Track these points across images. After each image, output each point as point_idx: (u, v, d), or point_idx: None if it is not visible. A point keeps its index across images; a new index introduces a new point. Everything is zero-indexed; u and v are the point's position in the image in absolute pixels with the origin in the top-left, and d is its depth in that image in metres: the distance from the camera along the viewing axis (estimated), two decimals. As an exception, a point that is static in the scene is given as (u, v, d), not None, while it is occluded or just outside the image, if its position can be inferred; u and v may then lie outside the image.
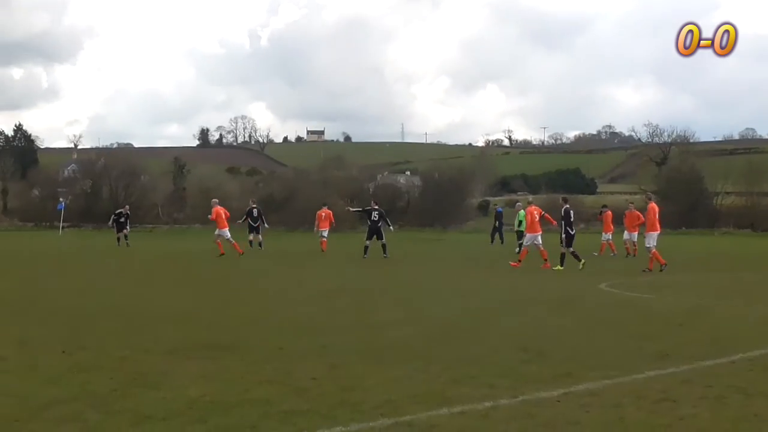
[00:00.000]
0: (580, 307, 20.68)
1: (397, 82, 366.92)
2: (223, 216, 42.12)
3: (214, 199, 44.64)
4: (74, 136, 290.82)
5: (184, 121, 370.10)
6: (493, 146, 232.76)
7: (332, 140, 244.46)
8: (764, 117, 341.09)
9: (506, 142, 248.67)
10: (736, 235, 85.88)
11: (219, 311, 19.15)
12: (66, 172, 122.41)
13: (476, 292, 24.78)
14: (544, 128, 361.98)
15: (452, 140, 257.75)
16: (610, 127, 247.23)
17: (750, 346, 14.15)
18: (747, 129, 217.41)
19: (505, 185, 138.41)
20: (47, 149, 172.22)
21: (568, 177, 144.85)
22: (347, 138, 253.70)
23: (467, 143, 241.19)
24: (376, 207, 41.63)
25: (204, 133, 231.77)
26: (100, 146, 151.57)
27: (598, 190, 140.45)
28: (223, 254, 40.48)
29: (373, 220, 40.76)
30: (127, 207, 57.64)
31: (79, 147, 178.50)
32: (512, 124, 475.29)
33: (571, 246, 34.15)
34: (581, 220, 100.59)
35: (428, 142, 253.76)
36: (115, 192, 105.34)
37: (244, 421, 8.79)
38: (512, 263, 34.35)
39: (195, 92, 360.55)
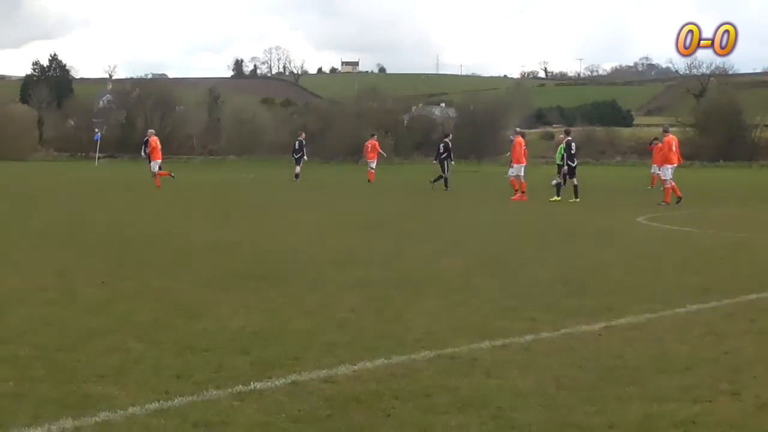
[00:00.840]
0: (620, 241, 20.60)
1: (432, 13, 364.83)
2: (158, 146, 41.17)
3: (150, 129, 43.74)
4: (109, 66, 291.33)
5: (219, 52, 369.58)
6: (529, 78, 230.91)
7: (366, 71, 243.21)
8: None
9: (542, 74, 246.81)
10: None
11: (259, 242, 19.19)
12: (101, 103, 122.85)
13: (515, 224, 24.75)
14: (580, 60, 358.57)
15: (487, 72, 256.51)
16: (647, 58, 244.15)
17: (793, 280, 14.06)
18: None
19: (540, 117, 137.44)
20: (82, 79, 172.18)
21: (604, 109, 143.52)
22: (382, 69, 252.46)
23: (502, 75, 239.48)
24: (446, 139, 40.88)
25: (238, 64, 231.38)
26: (135, 77, 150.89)
27: (634, 123, 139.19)
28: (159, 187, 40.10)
29: (439, 152, 40.14)
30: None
31: (113, 77, 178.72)
32: (549, 55, 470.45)
33: (573, 177, 34.25)
34: (618, 153, 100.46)
35: (463, 74, 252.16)
36: (150, 122, 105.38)
37: (286, 352, 8.77)
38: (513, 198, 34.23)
39: (230, 22, 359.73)
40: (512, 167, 35.83)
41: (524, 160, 35.71)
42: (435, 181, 40.76)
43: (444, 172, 40.71)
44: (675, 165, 33.43)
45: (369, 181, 46.71)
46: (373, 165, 49.09)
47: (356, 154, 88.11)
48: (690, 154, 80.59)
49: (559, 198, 33.24)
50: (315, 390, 7.51)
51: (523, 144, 36.14)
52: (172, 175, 41.54)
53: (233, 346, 9.06)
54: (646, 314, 11.02)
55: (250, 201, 34.32)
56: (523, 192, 34.63)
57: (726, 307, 11.62)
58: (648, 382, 7.88)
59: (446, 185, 39.84)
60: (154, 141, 41.41)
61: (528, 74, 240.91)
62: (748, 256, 17.81)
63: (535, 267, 15.68)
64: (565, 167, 34.03)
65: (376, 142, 50.44)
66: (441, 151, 41.46)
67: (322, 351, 8.89)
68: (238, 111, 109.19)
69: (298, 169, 48.30)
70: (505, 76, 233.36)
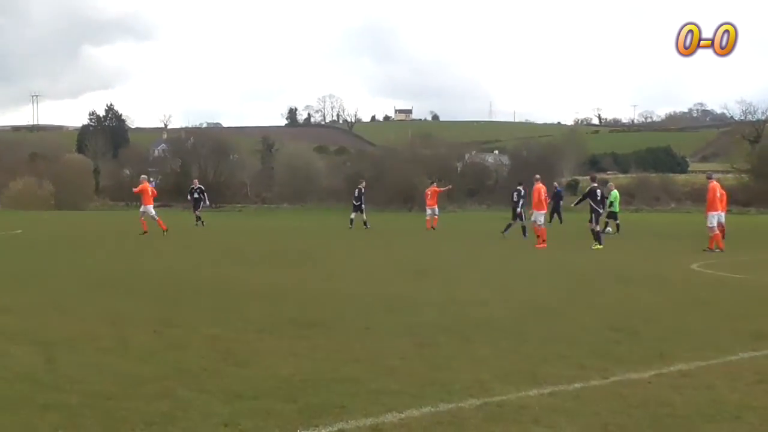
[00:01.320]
0: (671, 286, 20.46)
1: (485, 60, 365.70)
2: (150, 192, 41.21)
3: (142, 176, 43.99)
4: (164, 115, 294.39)
5: (273, 100, 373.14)
6: (582, 125, 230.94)
7: (420, 119, 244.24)
8: None
9: (595, 121, 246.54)
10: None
11: (308, 289, 19.22)
12: (156, 152, 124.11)
13: (564, 270, 24.64)
14: (635, 106, 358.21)
15: (541, 119, 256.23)
16: (701, 104, 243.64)
17: None
18: None
19: (594, 164, 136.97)
20: (138, 129, 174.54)
21: (658, 155, 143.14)
22: (435, 117, 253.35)
23: (556, 122, 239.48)
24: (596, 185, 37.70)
25: (292, 112, 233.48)
26: (190, 125, 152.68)
27: (689, 169, 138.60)
28: (146, 232, 39.91)
29: (598, 200, 36.08)
30: (196, 182, 56.81)
31: (168, 126, 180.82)
32: (602, 102, 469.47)
33: (597, 223, 34.29)
34: (673, 199, 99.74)
35: (516, 120, 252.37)
36: (204, 170, 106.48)
37: (334, 400, 8.79)
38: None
39: (283, 70, 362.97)
40: (532, 214, 35.85)
41: (545, 207, 35.72)
42: (505, 230, 40.59)
43: (515, 220, 40.51)
44: (719, 212, 33.07)
45: (427, 228, 47.02)
46: (433, 211, 49.48)
47: (409, 201, 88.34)
48: (745, 200, 79.94)
49: (601, 246, 33.07)
50: (361, 438, 7.53)
51: (543, 191, 36.13)
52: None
53: (281, 393, 9.09)
54: (697, 361, 10.93)
55: (302, 247, 34.40)
56: (543, 240, 34.45)
57: (779, 355, 11.50)
58: (697, 430, 7.84)
59: (524, 232, 39.58)
60: (145, 187, 41.38)
61: (582, 121, 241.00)
62: (804, 302, 17.61)
63: (586, 313, 15.59)
64: (592, 213, 34.01)
65: (437, 189, 50.71)
66: (515, 199, 41.38)
67: (370, 399, 8.90)
68: (292, 158, 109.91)
69: (353, 215, 48.86)
70: (559, 122, 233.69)
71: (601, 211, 34.44)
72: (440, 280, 21.74)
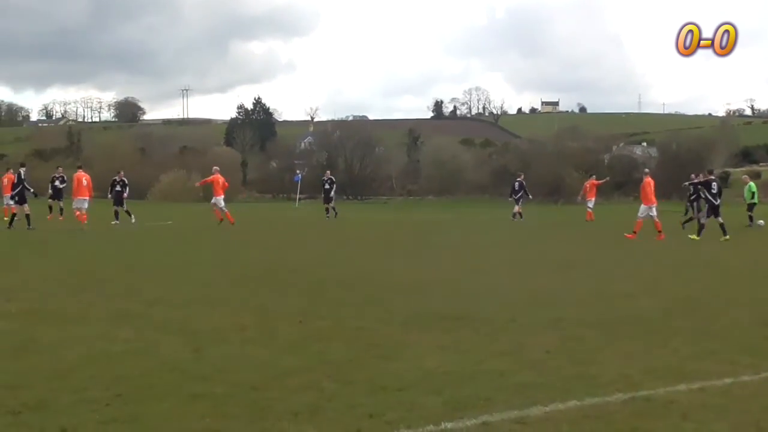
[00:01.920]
0: (826, 282, 19.90)
1: (634, 51, 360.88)
2: (221, 184, 41.82)
3: (215, 167, 44.03)
4: (311, 108, 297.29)
5: (419, 93, 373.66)
6: (734, 116, 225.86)
7: (566, 111, 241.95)
8: None
9: (748, 112, 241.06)
10: None
11: (453, 282, 19.19)
12: (303, 145, 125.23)
13: (715, 264, 24.17)
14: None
15: (691, 110, 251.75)
16: None
17: None
18: None
19: (746, 156, 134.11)
20: (285, 122, 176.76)
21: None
22: (582, 109, 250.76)
23: (707, 113, 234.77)
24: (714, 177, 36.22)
25: (438, 105, 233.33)
26: (336, 119, 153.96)
27: None
28: (221, 220, 40.53)
29: (713, 193, 34.81)
30: (329, 172, 56.06)
31: (315, 120, 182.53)
32: (757, 93, 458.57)
33: (716, 215, 33.98)
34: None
35: (666, 112, 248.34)
36: (351, 163, 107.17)
37: (479, 392, 8.77)
38: (627, 235, 33.87)
39: (430, 64, 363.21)
40: (642, 207, 35.23)
41: (654, 200, 35.09)
42: (685, 223, 40.15)
43: (694, 214, 39.89)
44: None
45: (586, 219, 46.97)
46: (591, 204, 49.45)
47: (555, 193, 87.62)
48: None
49: (698, 237, 32.63)
50: (506, 431, 7.49)
51: (652, 184, 35.47)
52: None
53: (426, 386, 9.10)
54: None
55: (448, 240, 34.40)
56: (659, 231, 33.87)
57: None
58: None
59: (699, 233, 38.94)
60: (216, 178, 41.72)
61: (734, 112, 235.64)
62: None
63: (736, 308, 15.25)
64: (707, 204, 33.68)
65: (595, 182, 50.69)
66: (691, 192, 40.86)
67: (515, 392, 8.86)
68: (438, 151, 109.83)
69: (516, 208, 48.95)
70: (710, 114, 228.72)
71: (716, 203, 33.86)
72: (586, 273, 21.53)
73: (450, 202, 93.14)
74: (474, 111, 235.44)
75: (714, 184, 34.28)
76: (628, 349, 11.28)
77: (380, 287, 18.01)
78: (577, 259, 25.42)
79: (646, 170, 37.06)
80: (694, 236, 32.94)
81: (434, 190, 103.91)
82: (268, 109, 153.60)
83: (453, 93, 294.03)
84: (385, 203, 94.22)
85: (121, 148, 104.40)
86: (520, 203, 49.45)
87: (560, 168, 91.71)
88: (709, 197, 34.14)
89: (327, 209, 51.26)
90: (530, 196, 51.28)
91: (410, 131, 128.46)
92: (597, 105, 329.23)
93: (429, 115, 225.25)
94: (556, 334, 12.25)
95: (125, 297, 16.08)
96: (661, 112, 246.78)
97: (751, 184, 44.28)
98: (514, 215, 48.82)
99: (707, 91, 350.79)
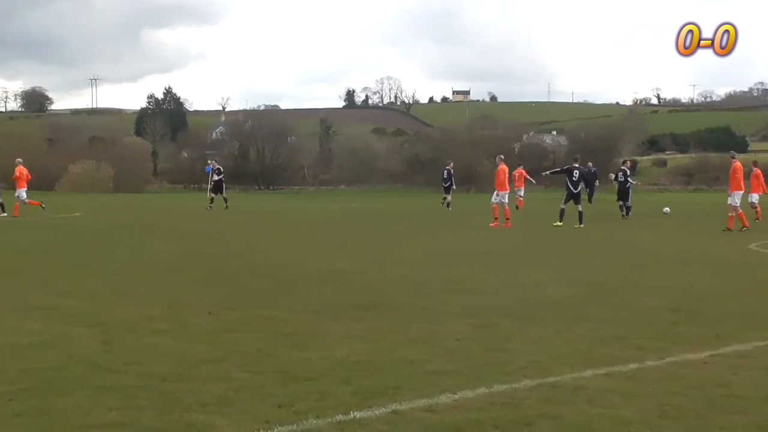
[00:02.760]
0: (730, 268, 20.30)
1: (543, 41, 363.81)
2: (24, 176, 41.05)
3: (18, 159, 43.60)
4: (222, 98, 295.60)
5: (332, 82, 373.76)
6: (641, 105, 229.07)
7: (478, 100, 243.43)
8: None
9: (654, 101, 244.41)
10: None
11: (367, 271, 19.24)
12: (214, 135, 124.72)
13: (623, 251, 24.51)
14: (694, 86, 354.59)
15: (599, 99, 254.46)
16: (762, 83, 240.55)
17: None
18: None
19: (653, 144, 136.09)
20: (196, 112, 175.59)
21: (718, 135, 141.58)
22: (493, 98, 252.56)
23: (614, 102, 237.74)
24: (577, 165, 36.44)
25: (350, 94, 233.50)
26: (248, 108, 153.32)
27: (749, 149, 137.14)
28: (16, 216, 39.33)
29: (574, 181, 35.40)
30: (215, 162, 54.02)
31: (227, 109, 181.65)
32: (662, 82, 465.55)
33: (576, 202, 35.11)
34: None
35: (575, 101, 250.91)
36: (263, 153, 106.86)
37: (388, 381, 8.80)
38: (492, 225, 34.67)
39: (343, 53, 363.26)
40: (497, 194, 35.68)
41: (508, 187, 35.63)
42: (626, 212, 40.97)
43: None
44: (743, 191, 32.85)
45: (518, 207, 47.43)
46: (522, 193, 50.93)
47: (468, 182, 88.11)
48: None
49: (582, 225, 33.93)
50: (415, 419, 7.52)
51: (506, 171, 35.90)
52: (43, 205, 41.39)
53: (336, 375, 9.12)
54: (755, 342, 10.85)
55: (360, 230, 34.48)
56: (507, 219, 34.41)
57: (838, 335, 11.37)
58: (753, 411, 7.76)
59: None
60: (20, 170, 41.32)
61: (640, 101, 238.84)
62: None
63: (645, 294, 15.51)
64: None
65: (523, 172, 51.30)
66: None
67: (425, 380, 8.90)
68: (350, 140, 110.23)
69: (449, 197, 49.80)
70: (617, 103, 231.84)
71: (574, 191, 35.08)
72: (500, 261, 21.73)
73: (363, 191, 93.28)
74: (386, 100, 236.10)
75: (576, 172, 34.85)
76: (538, 335, 11.40)
77: (292, 277, 17.99)
78: (492, 247, 25.60)
79: (501, 156, 37.30)
80: (557, 223, 33.74)
81: (347, 180, 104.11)
82: (179, 98, 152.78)
83: (366, 82, 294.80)
84: (297, 193, 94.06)
85: (28, 138, 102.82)
86: (450, 192, 49.97)
87: (472, 157, 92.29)
88: (569, 185, 35.10)
89: (212, 199, 49.52)
90: (454, 186, 51.78)
91: (322, 120, 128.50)
92: (507, 94, 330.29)
93: (341, 104, 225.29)
94: (467, 322, 12.33)
95: (33, 289, 15.86)
96: (570, 101, 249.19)
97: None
98: (447, 204, 49.57)
99: (615, 80, 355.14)
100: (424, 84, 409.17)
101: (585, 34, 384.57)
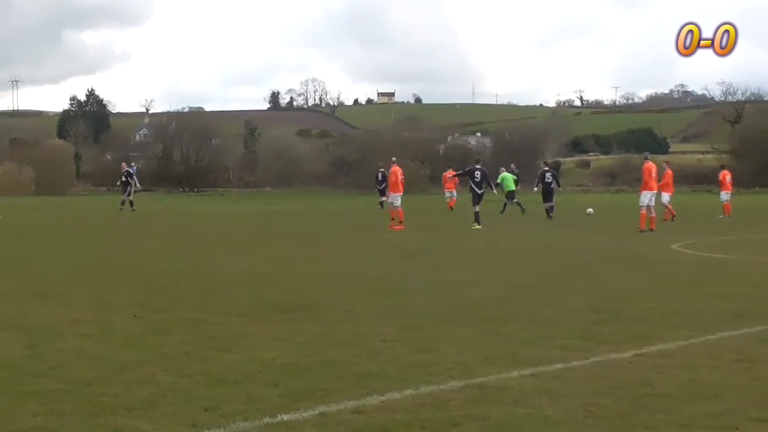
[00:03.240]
0: (653, 268, 20.53)
1: (469, 43, 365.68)
2: None
3: None
4: (146, 100, 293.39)
5: (257, 84, 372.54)
6: (564, 107, 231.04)
7: (402, 102, 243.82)
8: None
9: (577, 103, 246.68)
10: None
11: (294, 273, 19.23)
12: (138, 137, 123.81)
13: (549, 252, 24.70)
14: (616, 88, 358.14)
15: (523, 101, 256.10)
16: (682, 86, 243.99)
17: (826, 306, 13.99)
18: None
19: (576, 145, 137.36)
20: (119, 114, 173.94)
21: (640, 137, 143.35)
22: (417, 99, 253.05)
23: (538, 104, 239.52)
24: (479, 166, 36.67)
25: (275, 96, 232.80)
26: (172, 110, 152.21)
27: (670, 150, 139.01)
28: None
29: (476, 182, 35.76)
30: (124, 164, 54.05)
31: (150, 111, 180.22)
32: (585, 84, 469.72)
33: (475, 203, 35.21)
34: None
35: (499, 103, 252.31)
36: (187, 156, 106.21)
37: (315, 383, 8.80)
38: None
39: (267, 55, 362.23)
40: (389, 196, 36.04)
41: (401, 189, 35.77)
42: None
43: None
44: (654, 191, 33.28)
45: (451, 208, 48.74)
46: (452, 194, 52.32)
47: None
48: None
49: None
50: (343, 421, 7.53)
51: (398, 173, 36.06)
52: None
53: (263, 377, 9.10)
54: (678, 341, 10.98)
55: (287, 232, 34.43)
56: (400, 221, 34.54)
57: (758, 334, 11.56)
58: (677, 409, 7.86)
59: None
60: None
61: (564, 103, 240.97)
62: (783, 282, 17.71)
63: (569, 295, 15.65)
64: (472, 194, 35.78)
65: (453, 172, 51.76)
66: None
67: (352, 382, 8.91)
68: (275, 143, 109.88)
69: (383, 198, 49.46)
70: (541, 105, 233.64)
71: (479, 192, 35.48)
72: (426, 262, 21.83)
73: (288, 193, 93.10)
74: (311, 102, 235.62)
75: (477, 173, 35.26)
76: (464, 336, 11.45)
77: (218, 279, 17.95)
78: (417, 248, 25.69)
79: (393, 159, 37.62)
80: (476, 226, 34.03)
81: (272, 182, 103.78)
82: (102, 100, 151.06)
83: (291, 84, 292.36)
84: (221, 195, 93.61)
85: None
86: (385, 194, 50.18)
87: (397, 158, 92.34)
88: (473, 186, 35.55)
89: (123, 201, 49.73)
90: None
91: (247, 123, 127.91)
92: (432, 95, 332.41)
93: (266, 106, 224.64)
94: (393, 323, 12.37)
95: (-46, 294, 15.66)
96: (495, 102, 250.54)
97: (506, 174, 45.51)
98: (381, 204, 49.52)
99: (539, 82, 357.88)
100: (348, 86, 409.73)
101: (509, 36, 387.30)
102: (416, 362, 9.85)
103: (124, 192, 50.58)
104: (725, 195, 44.25)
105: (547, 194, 40.67)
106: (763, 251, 24.75)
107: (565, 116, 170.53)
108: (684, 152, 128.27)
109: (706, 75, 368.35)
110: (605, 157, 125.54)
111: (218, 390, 8.56)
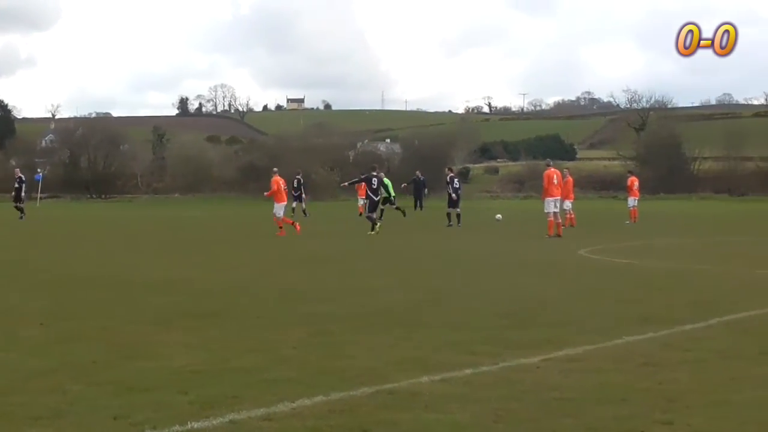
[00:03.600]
0: (561, 273, 20.77)
1: (379, 49, 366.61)
2: None
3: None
4: (52, 105, 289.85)
5: (165, 90, 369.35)
6: (473, 113, 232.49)
7: (312, 108, 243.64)
8: (741, 82, 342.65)
9: (486, 109, 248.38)
10: (714, 199, 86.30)
11: (204, 280, 19.13)
12: (44, 142, 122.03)
13: (460, 258, 24.86)
14: (524, 95, 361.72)
15: (432, 107, 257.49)
16: (589, 93, 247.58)
17: (727, 310, 14.26)
18: (724, 94, 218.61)
19: (485, 152, 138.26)
20: (25, 119, 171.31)
21: (547, 143, 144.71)
22: (327, 106, 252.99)
23: (447, 110, 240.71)
24: (375, 173, 37.59)
25: (183, 102, 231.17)
26: (79, 116, 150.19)
27: (577, 156, 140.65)
28: None
29: (373, 188, 36.72)
30: (18, 170, 53.55)
31: (57, 117, 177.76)
32: (493, 91, 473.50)
33: (372, 211, 36.07)
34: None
35: (408, 109, 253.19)
36: (94, 162, 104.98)
37: (226, 391, 8.76)
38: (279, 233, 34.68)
39: (176, 60, 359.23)
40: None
41: (285, 198, 36.11)
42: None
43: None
44: (556, 198, 33.69)
45: (360, 214, 48.28)
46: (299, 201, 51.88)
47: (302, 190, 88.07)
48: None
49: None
50: (253, 428, 7.51)
51: (279, 182, 36.37)
52: None
53: (173, 385, 9.04)
54: (585, 346, 11.12)
55: (196, 238, 34.23)
56: (280, 227, 34.77)
57: (663, 338, 11.75)
58: (584, 413, 7.96)
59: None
60: None
61: (472, 109, 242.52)
62: (686, 286, 18.04)
63: (479, 300, 15.77)
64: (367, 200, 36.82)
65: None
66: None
67: (262, 389, 8.88)
68: (184, 149, 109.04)
69: (295, 204, 50.10)
70: (450, 111, 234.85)
71: (375, 198, 36.27)
72: (338, 268, 21.84)
73: (197, 199, 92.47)
74: (220, 108, 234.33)
75: (374, 180, 36.52)
76: (375, 342, 11.48)
77: (126, 286, 17.79)
78: (328, 254, 25.70)
79: (275, 169, 37.98)
80: (371, 232, 34.44)
81: (181, 188, 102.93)
82: (6, 105, 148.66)
83: (199, 89, 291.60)
84: (130, 201, 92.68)
85: None
86: (302, 201, 50.41)
87: (307, 164, 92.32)
88: (370, 193, 36.38)
89: (21, 209, 48.82)
90: (304, 195, 52.54)
91: (155, 128, 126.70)
92: (342, 102, 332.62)
93: (175, 111, 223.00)
94: (304, 330, 12.35)
95: None
96: (404, 108, 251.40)
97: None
98: (304, 212, 49.93)
99: (448, 89, 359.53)
100: (258, 92, 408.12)
101: (418, 42, 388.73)
102: (327, 368, 9.86)
103: (17, 200, 49.70)
104: (632, 201, 45.06)
105: (456, 200, 40.73)
106: (667, 256, 25.15)
107: (473, 123, 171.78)
108: (591, 159, 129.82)
109: (612, 82, 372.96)
110: (513, 163, 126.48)
111: (127, 398, 8.48)
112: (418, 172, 61.20)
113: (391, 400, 8.48)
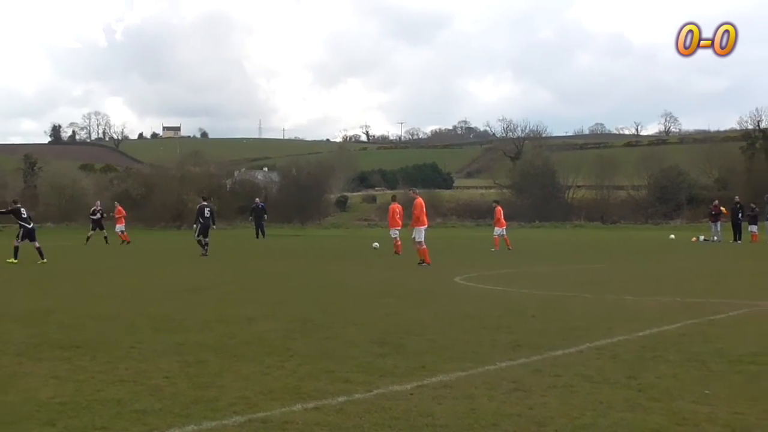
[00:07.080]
0: (436, 300, 20.88)
1: (256, 78, 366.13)
2: None
3: None
4: None
5: (37, 117, 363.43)
6: (351, 142, 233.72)
7: (189, 136, 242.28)
8: (612, 112, 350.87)
9: (363, 138, 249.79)
10: (587, 227, 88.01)
11: (74, 310, 18.78)
12: None
13: (334, 286, 24.87)
14: (401, 123, 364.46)
15: (311, 136, 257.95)
16: (465, 122, 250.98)
17: (597, 336, 14.51)
18: (596, 124, 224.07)
19: (363, 180, 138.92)
20: None
21: (425, 171, 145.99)
22: (204, 134, 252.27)
23: (325, 139, 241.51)
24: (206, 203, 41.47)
25: (56, 130, 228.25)
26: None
27: (454, 185, 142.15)
28: None
29: (206, 217, 40.16)
30: None
31: None
32: (371, 119, 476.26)
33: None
34: (438, 215, 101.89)
35: (286, 138, 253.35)
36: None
37: (95, 422, 8.64)
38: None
39: (48, 87, 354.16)
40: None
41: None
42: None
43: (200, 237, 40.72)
44: (425, 226, 34.60)
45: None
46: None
47: (178, 219, 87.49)
48: (508, 215, 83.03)
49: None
50: (122, 459, 7.43)
51: (122, 211, 37.46)
52: None
53: (39, 417, 8.87)
54: (458, 372, 11.19)
55: (67, 268, 33.69)
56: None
57: (534, 363, 11.89)
58: (455, 438, 8.02)
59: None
60: None
61: (350, 138, 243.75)
62: (558, 313, 18.24)
63: (353, 328, 15.76)
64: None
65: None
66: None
67: (132, 420, 8.77)
68: (56, 177, 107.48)
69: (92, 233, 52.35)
70: (328, 140, 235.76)
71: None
72: (210, 297, 21.66)
73: (71, 228, 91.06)
74: (94, 136, 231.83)
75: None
76: (248, 371, 11.41)
77: (-6, 317, 17.41)
78: (199, 283, 25.49)
79: (116, 202, 39.27)
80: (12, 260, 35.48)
81: (54, 217, 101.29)
82: None
83: (73, 117, 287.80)
84: (0, 231, 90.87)
85: None
86: (102, 227, 53.21)
87: (183, 193, 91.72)
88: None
89: None
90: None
91: (26, 156, 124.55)
92: (219, 130, 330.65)
93: (47, 139, 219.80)
94: (176, 359, 12.24)
95: None
96: (282, 137, 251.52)
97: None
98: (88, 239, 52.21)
99: (325, 117, 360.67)
100: (133, 120, 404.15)
101: (295, 71, 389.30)
102: (199, 398, 9.78)
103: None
104: (499, 230, 45.72)
105: (207, 229, 39.77)
106: (540, 283, 25.45)
107: (351, 151, 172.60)
108: (467, 187, 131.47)
109: (488, 112, 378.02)
110: (391, 191, 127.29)
111: (-8, 432, 8.31)
112: (257, 199, 61.99)
113: (264, 428, 8.46)
